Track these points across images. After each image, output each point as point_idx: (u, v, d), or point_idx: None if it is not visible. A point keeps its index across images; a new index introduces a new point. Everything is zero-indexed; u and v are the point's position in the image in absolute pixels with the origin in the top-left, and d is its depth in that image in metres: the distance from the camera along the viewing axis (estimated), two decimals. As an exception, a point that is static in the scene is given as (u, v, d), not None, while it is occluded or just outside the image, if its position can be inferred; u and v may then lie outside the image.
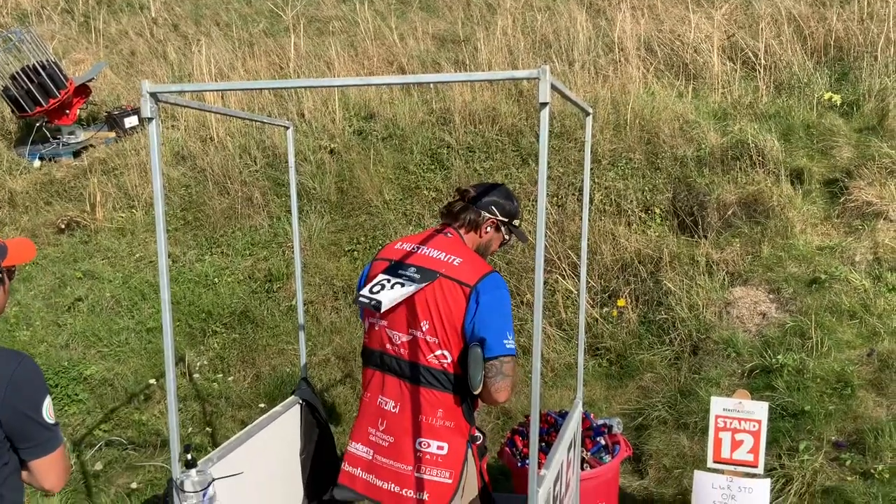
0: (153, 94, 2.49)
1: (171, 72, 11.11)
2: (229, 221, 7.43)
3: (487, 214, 2.83)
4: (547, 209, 6.44)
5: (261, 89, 8.56)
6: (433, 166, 7.72)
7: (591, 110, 3.42)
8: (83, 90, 9.69)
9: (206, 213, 7.56)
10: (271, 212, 7.49)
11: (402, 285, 2.60)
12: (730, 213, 6.03)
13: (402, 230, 6.92)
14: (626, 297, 5.83)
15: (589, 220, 6.41)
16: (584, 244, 3.45)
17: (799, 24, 8.44)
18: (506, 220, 2.88)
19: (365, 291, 2.66)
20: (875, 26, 7.85)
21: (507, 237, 2.96)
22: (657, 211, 6.50)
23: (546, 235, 6.20)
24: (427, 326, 2.58)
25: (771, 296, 5.44)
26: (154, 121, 2.51)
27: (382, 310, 2.57)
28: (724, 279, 5.65)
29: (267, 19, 13.77)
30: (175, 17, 14.84)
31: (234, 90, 7.92)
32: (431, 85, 9.58)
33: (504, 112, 8.01)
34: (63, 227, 7.64)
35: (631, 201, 6.66)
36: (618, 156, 7.09)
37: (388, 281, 2.65)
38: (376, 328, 2.74)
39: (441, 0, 13.53)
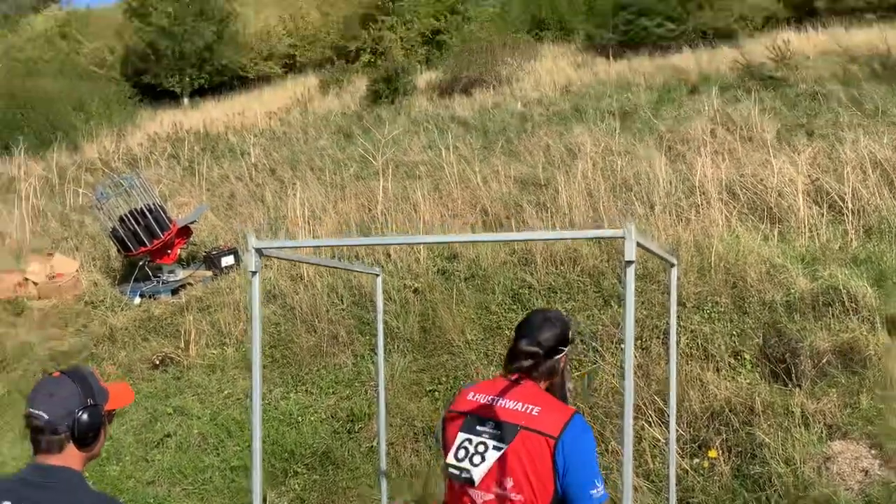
0: (258, 250, 2.65)
1: (267, 213, 11.76)
2: (315, 359, 7.60)
3: (558, 356, 2.81)
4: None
5: (359, 245, 8.88)
6: (515, 306, 7.77)
7: (675, 261, 3.44)
8: (185, 231, 10.33)
9: (294, 351, 7.77)
10: (355, 350, 7.64)
11: (486, 446, 2.58)
12: (824, 361, 5.81)
13: (484, 371, 6.92)
14: (717, 448, 5.59)
15: (676, 366, 6.30)
16: (672, 391, 3.38)
17: (885, 169, 8.38)
18: (570, 343, 2.87)
19: (452, 460, 2.63)
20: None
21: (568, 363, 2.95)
22: (747, 357, 6.32)
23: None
24: (511, 484, 2.54)
25: (873, 451, 5.13)
26: (257, 274, 2.65)
27: (476, 484, 2.55)
28: (821, 432, 5.37)
29: (358, 164, 14.55)
30: (272, 162, 15.86)
31: (332, 246, 8.25)
32: (513, 226, 9.83)
33: (585, 254, 8.09)
34: (157, 362, 7.96)
35: (719, 346, 6.50)
36: (703, 299, 7.00)
37: (470, 442, 2.62)
38: (456, 487, 2.70)
39: (522, 145, 14.08)
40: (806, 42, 18.36)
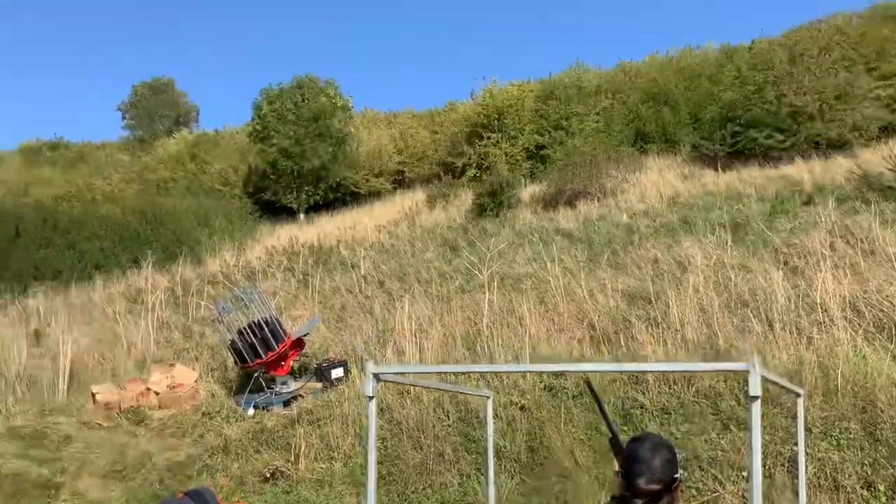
0: (376, 375, 2.72)
1: (375, 326, 12.00)
2: (421, 477, 7.52)
3: (674, 485, 2.72)
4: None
5: (472, 372, 8.91)
6: (626, 428, 7.51)
7: (801, 392, 3.29)
8: (298, 343, 10.65)
9: (400, 468, 7.72)
10: (461, 469, 7.52)
11: None
12: (974, 498, 5.29)
13: (596, 496, 6.66)
14: (854, 593, 5.11)
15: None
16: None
17: None
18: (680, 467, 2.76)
19: None
20: None
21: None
22: (881, 488, 5.84)
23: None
24: None
25: None
26: (374, 400, 2.70)
27: None
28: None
29: (463, 276, 14.74)
30: (381, 275, 16.29)
31: (447, 372, 8.29)
32: (622, 342, 9.63)
33: (701, 373, 7.79)
34: (268, 476, 8.07)
35: (849, 476, 6.05)
36: (830, 425, 6.57)
37: None
38: None
39: (629, 257, 13.93)
40: (928, 150, 17.65)
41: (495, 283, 12.75)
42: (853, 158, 18.24)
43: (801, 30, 25.29)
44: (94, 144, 48.58)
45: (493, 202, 21.61)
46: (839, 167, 17.78)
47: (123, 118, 49.80)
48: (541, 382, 8.68)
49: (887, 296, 8.33)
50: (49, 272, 21.27)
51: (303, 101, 29.98)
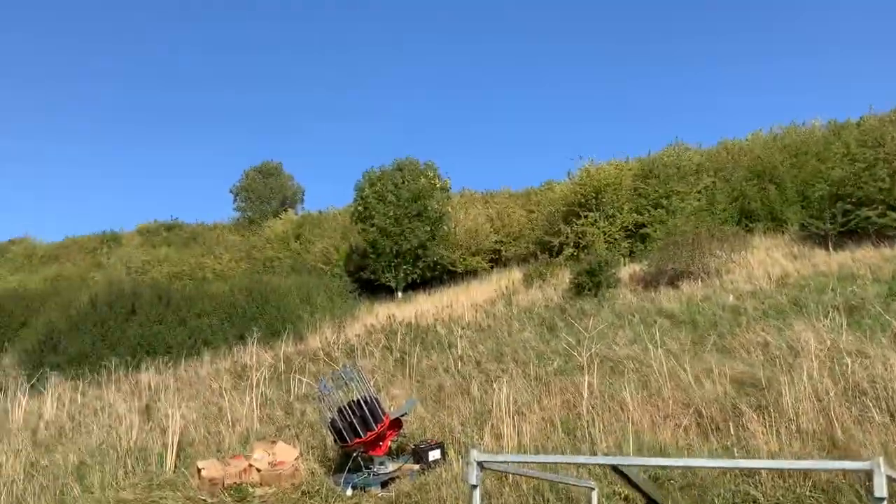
0: (479, 463, 2.69)
1: (473, 407, 11.89)
2: (519, 567, 7.27)
3: None
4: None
5: (578, 464, 8.68)
6: (739, 525, 7.10)
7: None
8: (396, 424, 10.64)
9: (498, 557, 7.50)
10: (562, 561, 7.23)
11: None
12: None
13: None
14: None
15: None
16: None
17: None
18: None
19: None
20: None
21: None
22: None
23: None
24: None
25: None
26: (478, 488, 2.68)
27: None
28: None
29: (561, 357, 14.51)
30: (478, 354, 16.23)
31: (552, 463, 8.13)
32: (731, 430, 9.18)
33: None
34: (365, 558, 7.99)
35: None
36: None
37: None
38: None
39: (736, 341, 13.41)
40: None
41: (595, 366, 12.48)
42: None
43: (915, 104, 24.37)
44: (207, 225, 51.45)
45: (590, 281, 21.36)
46: (964, 246, 16.76)
47: (235, 200, 52.63)
48: (646, 472, 8.34)
49: None
50: (161, 347, 22.27)
51: (403, 182, 30.90)
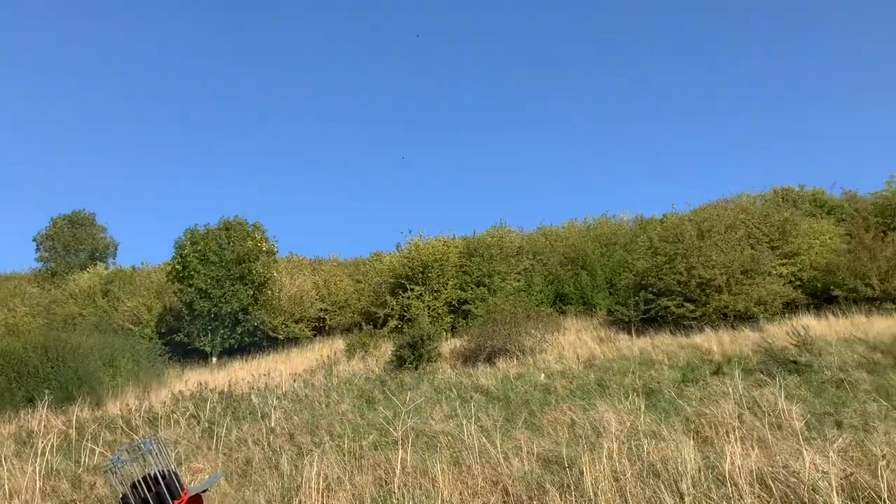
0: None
1: (281, 483, 11.40)
2: None
3: None
4: None
5: None
6: None
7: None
8: (196, 500, 9.95)
9: None
10: None
11: None
12: None
13: None
14: None
15: None
16: None
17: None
18: None
19: None
20: None
21: None
22: None
23: None
24: None
25: None
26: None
27: None
28: None
29: (378, 431, 14.33)
30: (292, 427, 15.68)
31: None
32: (535, 508, 9.37)
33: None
34: None
35: None
36: None
37: None
38: None
39: (545, 419, 13.88)
40: (827, 328, 18.66)
41: (410, 441, 12.43)
42: (759, 331, 19.06)
43: (709, 207, 27.11)
44: (3, 275, 46.95)
45: (412, 354, 21.50)
46: (746, 339, 18.53)
47: (38, 249, 48.50)
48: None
49: (794, 472, 8.45)
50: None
51: (228, 242, 29.92)
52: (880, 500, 7.55)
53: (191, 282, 28.76)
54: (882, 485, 7.66)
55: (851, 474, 8.16)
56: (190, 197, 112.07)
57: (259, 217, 62.11)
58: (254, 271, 29.53)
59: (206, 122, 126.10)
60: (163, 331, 30.96)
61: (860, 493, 7.83)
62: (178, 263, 29.64)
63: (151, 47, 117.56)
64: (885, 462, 8.16)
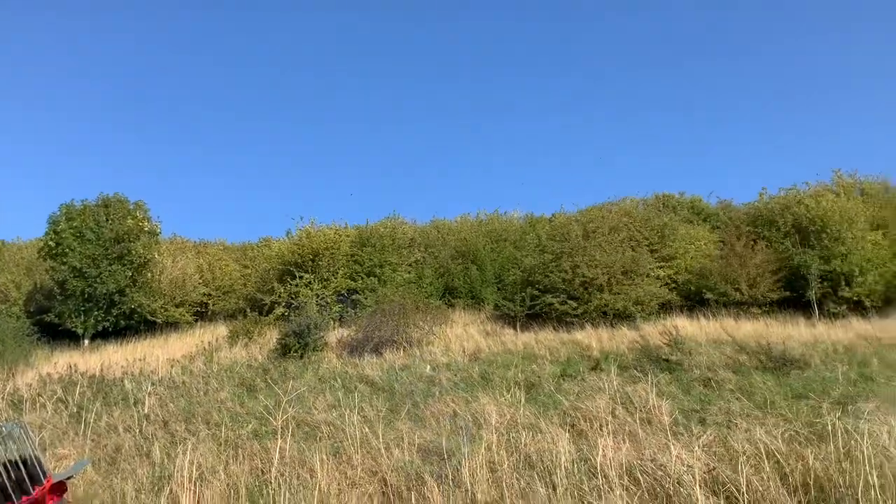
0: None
1: (152, 471, 10.98)
2: None
3: None
4: None
5: None
6: None
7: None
8: (59, 487, 9.43)
9: None
10: None
11: None
12: None
13: None
14: None
15: None
16: None
17: (778, 461, 8.61)
18: None
19: None
20: (853, 468, 7.99)
21: None
22: None
23: None
24: None
25: None
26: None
27: None
28: None
29: (258, 420, 14.04)
30: (167, 414, 15.14)
31: None
32: (413, 499, 9.42)
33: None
34: None
35: None
36: None
37: None
38: None
39: (429, 410, 13.98)
40: (699, 329, 19.66)
41: (290, 430, 12.24)
42: (635, 330, 19.87)
43: (595, 209, 28.01)
44: None
45: (298, 343, 21.18)
46: (623, 337, 19.28)
47: None
48: (326, 541, 8.23)
49: (661, 465, 8.85)
50: None
51: (107, 220, 28.49)
52: (739, 493, 8.01)
53: (64, 259, 27.19)
54: (741, 479, 8.13)
55: (714, 469, 8.63)
56: (67, 171, 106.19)
57: (141, 196, 59.45)
58: (133, 251, 28.23)
59: (84, 93, 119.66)
60: (31, 310, 29.16)
61: (721, 488, 8.29)
62: (52, 240, 27.95)
63: (14, 2, 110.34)
64: (745, 458, 8.67)
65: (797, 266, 22.83)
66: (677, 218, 27.84)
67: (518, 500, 8.58)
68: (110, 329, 28.06)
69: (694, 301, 23.59)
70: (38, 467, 9.35)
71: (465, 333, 22.21)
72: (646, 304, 22.32)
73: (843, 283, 22.27)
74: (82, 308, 27.51)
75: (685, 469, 8.53)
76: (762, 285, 22.49)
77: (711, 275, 23.33)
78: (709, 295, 22.82)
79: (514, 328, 22.42)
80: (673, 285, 24.38)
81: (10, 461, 9.27)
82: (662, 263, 24.70)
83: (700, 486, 8.14)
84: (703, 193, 45.54)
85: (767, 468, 8.36)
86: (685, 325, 19.93)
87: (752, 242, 23.95)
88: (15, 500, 8.77)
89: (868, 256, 22.34)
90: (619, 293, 22.18)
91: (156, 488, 10.42)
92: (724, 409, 12.00)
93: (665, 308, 23.34)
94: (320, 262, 27.90)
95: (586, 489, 8.50)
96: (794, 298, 22.57)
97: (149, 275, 29.13)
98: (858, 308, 22.00)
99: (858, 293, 22.09)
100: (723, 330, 19.18)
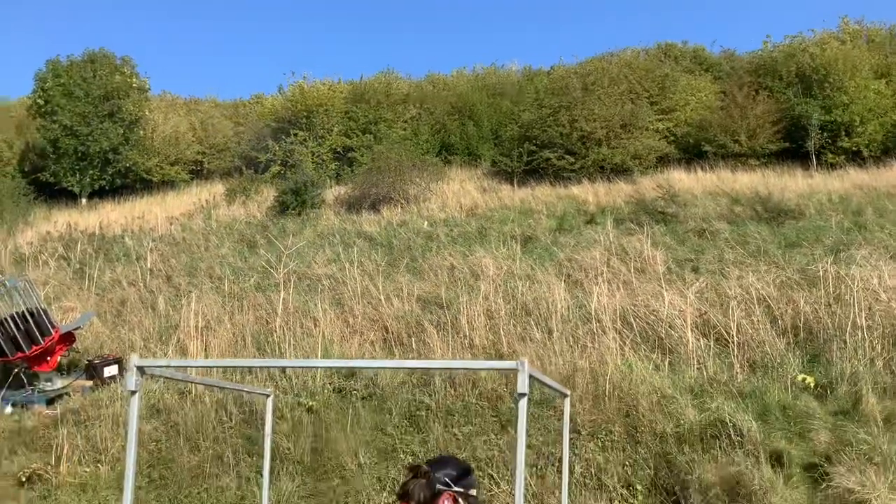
0: (140, 368, 2.51)
1: (158, 323, 11.29)
2: (196, 480, 7.14)
3: (441, 487, 2.76)
4: (526, 478, 6.29)
5: (242, 367, 8.60)
6: (411, 429, 7.62)
7: (568, 392, 3.47)
8: (68, 338, 9.76)
9: (174, 471, 7.29)
10: (241, 472, 7.23)
11: None
12: (712, 494, 5.88)
13: (376, 497, 6.66)
14: (608, 584, 5.49)
15: (569, 495, 6.23)
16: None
17: (768, 305, 8.86)
18: (461, 490, 2.79)
19: None
20: (842, 311, 8.23)
21: None
22: (639, 488, 6.33)
23: (525, 510, 5.97)
24: None
25: (761, 588, 5.15)
26: (137, 393, 2.51)
27: None
28: (711, 567, 5.37)
29: (259, 274, 14.30)
30: (169, 269, 15.40)
31: (220, 367, 7.95)
32: (413, 345, 9.77)
33: (484, 376, 8.07)
34: (24, 480, 7.29)
35: (612, 476, 6.51)
36: (598, 427, 7.05)
37: None
38: None
39: (427, 264, 14.21)
40: (695, 182, 19.66)
41: (292, 283, 12.48)
42: (632, 184, 19.88)
43: (595, 61, 27.22)
44: None
45: (296, 200, 21.22)
46: (620, 191, 19.32)
47: None
48: (330, 385, 8.58)
49: (653, 310, 9.10)
50: None
51: (94, 77, 27.75)
52: (728, 335, 8.29)
53: (55, 118, 26.71)
54: (731, 322, 8.39)
55: (705, 313, 8.89)
56: (50, 24, 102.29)
57: (128, 51, 57.67)
58: (124, 109, 27.70)
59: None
60: (26, 169, 28.97)
61: (711, 330, 8.57)
62: (40, 97, 27.35)
63: None
64: (736, 303, 8.92)
65: (798, 116, 22.48)
66: (679, 68, 27.11)
67: (515, 344, 8.89)
68: (107, 188, 27.99)
69: (692, 154, 23.43)
70: (45, 319, 9.63)
71: (461, 190, 22.22)
72: (644, 157, 22.19)
73: (843, 133, 22.03)
74: (77, 167, 27.32)
75: (677, 313, 8.79)
76: (762, 136, 22.27)
77: (711, 126, 23.04)
78: (707, 147, 22.63)
79: (511, 184, 22.41)
80: (672, 138, 24.12)
81: (17, 314, 9.54)
82: (662, 116, 24.33)
83: (691, 329, 8.41)
84: (707, 42, 44.18)
85: (758, 312, 8.62)
86: (682, 178, 19.91)
87: (753, 93, 23.48)
88: (25, 349, 9.09)
89: (870, 106, 21.95)
90: (617, 147, 21.99)
91: (163, 338, 10.76)
92: (718, 257, 12.21)
93: (663, 161, 23.22)
94: (314, 119, 27.45)
95: (580, 333, 8.79)
96: (792, 150, 22.41)
97: (141, 132, 28.70)
98: (856, 158, 21.88)
99: (858, 143, 21.91)
100: (720, 182, 19.18)
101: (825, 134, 22.26)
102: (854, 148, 22.02)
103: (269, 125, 28.78)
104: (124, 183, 28.61)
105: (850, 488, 5.50)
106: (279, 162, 26.71)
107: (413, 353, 9.47)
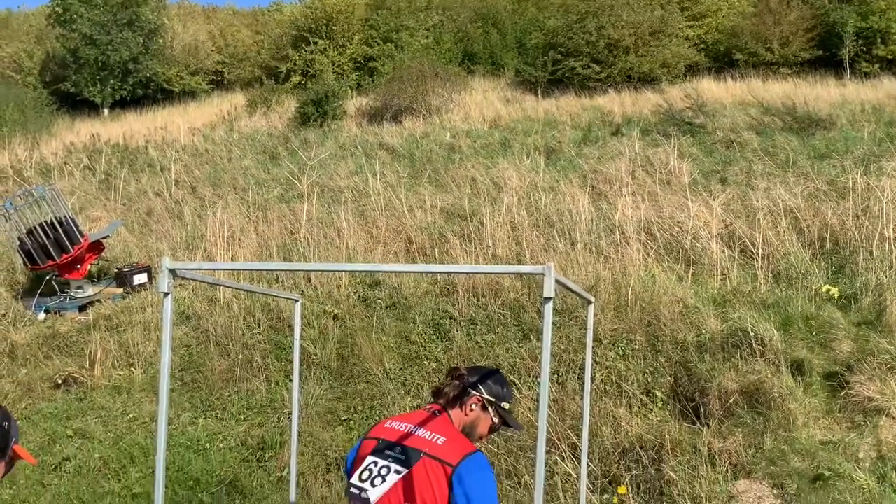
0: (172, 271, 2.54)
1: (185, 232, 11.43)
2: (227, 384, 7.37)
3: (473, 391, 2.83)
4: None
5: (274, 271, 8.69)
6: (435, 337, 7.75)
7: (592, 299, 3.48)
8: (97, 246, 9.93)
9: (205, 375, 7.52)
10: (270, 376, 7.45)
11: (388, 469, 2.63)
12: (731, 401, 5.98)
13: (401, 401, 6.85)
14: (627, 484, 5.65)
15: (590, 401, 6.37)
16: (585, 427, 3.43)
17: (795, 217, 8.76)
18: (492, 399, 2.86)
19: (355, 479, 2.67)
20: (870, 222, 8.13)
21: (495, 420, 2.92)
22: (658, 395, 6.45)
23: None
24: None
25: (775, 491, 5.27)
26: (169, 296, 2.54)
27: None
28: (727, 470, 5.50)
29: (282, 186, 14.34)
30: (194, 180, 15.48)
31: (248, 270, 8.05)
32: (437, 255, 9.83)
33: (507, 287, 8.14)
34: (60, 382, 7.57)
35: (632, 383, 6.62)
36: (619, 336, 7.13)
37: (376, 464, 2.67)
38: None
39: (449, 176, 14.15)
40: (725, 92, 19.19)
41: (315, 195, 12.51)
42: (659, 94, 19.45)
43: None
44: None
45: (317, 111, 21.04)
46: (647, 101, 18.92)
47: None
48: (355, 293, 8.71)
49: (678, 222, 9.05)
50: None
51: (110, -17, 27.31)
52: (754, 247, 8.25)
53: (73, 27, 26.42)
54: (757, 234, 8.33)
55: (730, 224, 8.82)
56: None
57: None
58: (143, 17, 27.31)
59: None
60: (48, 80, 28.88)
61: (736, 241, 8.53)
62: (58, 6, 27.01)
63: None
64: (762, 214, 8.83)
65: (833, 23, 21.66)
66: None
67: (538, 254, 8.92)
68: (128, 98, 27.92)
69: (723, 63, 22.78)
70: (74, 227, 9.77)
71: (484, 101, 21.88)
72: (672, 66, 21.62)
73: (879, 40, 21.24)
74: (98, 77, 27.19)
75: (702, 225, 8.73)
76: (794, 44, 21.55)
77: (743, 34, 22.31)
78: (738, 55, 21.97)
79: (535, 94, 22.01)
80: (702, 46, 23.43)
81: (46, 222, 9.68)
82: (693, 22, 23.58)
83: (716, 240, 8.37)
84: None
85: (784, 224, 8.53)
86: (711, 88, 19.42)
87: (787, -1, 22.63)
88: (56, 257, 9.26)
89: (909, 12, 21.15)
90: (645, 55, 21.42)
91: (190, 248, 10.92)
92: (745, 168, 12.02)
93: (692, 70, 22.64)
94: (334, 28, 26.92)
95: (604, 244, 8.79)
96: (825, 58, 21.70)
97: (160, 41, 28.38)
98: (892, 67, 21.17)
99: (893, 51, 21.17)
100: (749, 92, 18.69)
101: (860, 41, 21.49)
102: (890, 56, 21.28)
103: (288, 34, 28.29)
104: (145, 93, 28.50)
105: (870, 396, 5.56)
106: (300, 72, 26.38)
107: (436, 262, 9.54)
